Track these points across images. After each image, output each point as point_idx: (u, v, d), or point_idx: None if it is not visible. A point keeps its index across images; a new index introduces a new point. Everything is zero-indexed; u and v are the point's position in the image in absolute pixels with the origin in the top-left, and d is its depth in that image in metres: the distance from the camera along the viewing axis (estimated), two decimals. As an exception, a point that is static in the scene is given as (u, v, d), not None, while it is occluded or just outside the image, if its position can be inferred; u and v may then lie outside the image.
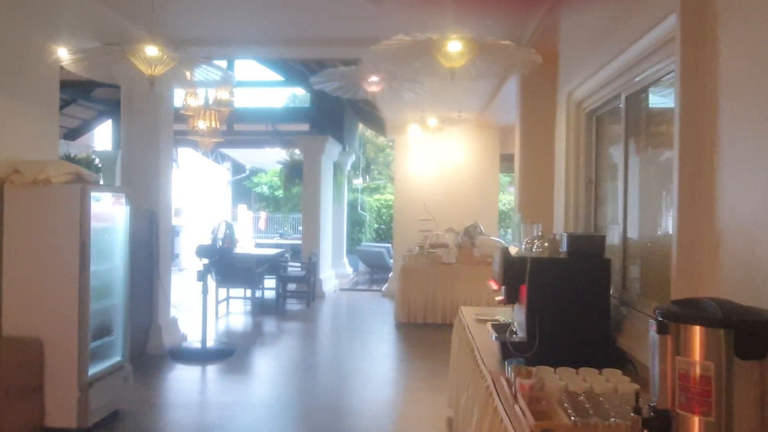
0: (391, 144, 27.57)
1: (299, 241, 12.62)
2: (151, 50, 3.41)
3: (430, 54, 3.62)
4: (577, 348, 2.49)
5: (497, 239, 8.14)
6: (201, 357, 5.54)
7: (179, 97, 7.01)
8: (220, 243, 5.85)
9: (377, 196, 16.30)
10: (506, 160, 9.86)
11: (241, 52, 7.25)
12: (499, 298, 2.67)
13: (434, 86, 4.94)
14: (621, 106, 2.75)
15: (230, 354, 5.72)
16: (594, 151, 3.30)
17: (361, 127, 13.27)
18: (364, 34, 5.36)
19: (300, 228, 21.30)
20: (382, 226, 14.99)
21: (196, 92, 8.78)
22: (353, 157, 12.68)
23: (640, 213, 2.67)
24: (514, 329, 2.70)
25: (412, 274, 7.47)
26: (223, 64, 11.27)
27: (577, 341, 2.50)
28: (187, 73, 3.95)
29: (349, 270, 12.23)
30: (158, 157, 5.91)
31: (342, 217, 12.04)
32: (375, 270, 11.66)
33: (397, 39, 3.42)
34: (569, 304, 2.51)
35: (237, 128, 11.57)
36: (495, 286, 2.64)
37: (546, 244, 3.12)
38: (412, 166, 9.66)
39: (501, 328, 2.79)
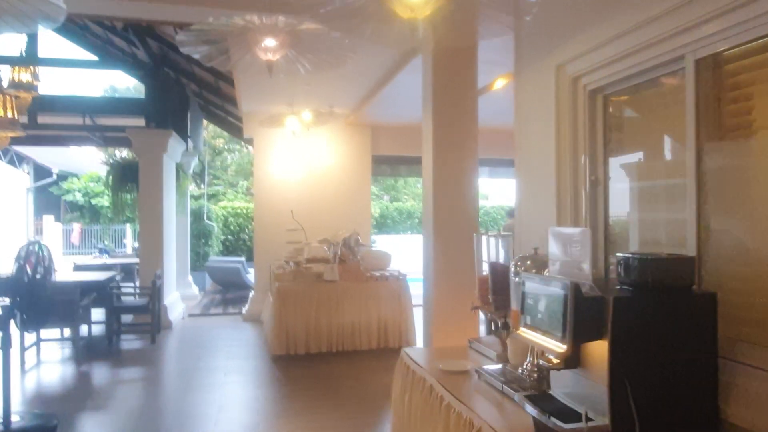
0: (228, 147, 25.59)
1: (131, 260, 10.53)
2: None
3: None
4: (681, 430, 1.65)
5: (383, 251, 7.27)
6: (2, 445, 3.75)
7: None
8: (30, 273, 4.08)
9: (223, 204, 14.52)
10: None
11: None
12: (555, 360, 1.71)
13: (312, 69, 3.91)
14: (687, 72, 1.98)
15: (50, 431, 3.99)
16: (601, 142, 2.53)
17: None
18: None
19: (125, 242, 18.41)
20: (230, 237, 13.30)
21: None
22: (196, 159, 10.93)
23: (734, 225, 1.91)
24: (571, 406, 1.76)
25: (290, 295, 6.24)
26: (22, 37, 8.86)
27: (680, 421, 1.65)
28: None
29: (195, 290, 10.45)
30: None
31: (186, 228, 10.24)
32: (228, 289, 10.07)
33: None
34: (665, 365, 1.65)
35: (42, 121, 9.24)
36: (558, 345, 1.66)
37: (528, 263, 2.36)
38: (276, 169, 8.38)
39: (543, 402, 1.84)
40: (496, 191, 22.30)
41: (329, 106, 7.57)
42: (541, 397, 1.90)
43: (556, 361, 1.72)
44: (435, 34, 3.57)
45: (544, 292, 1.77)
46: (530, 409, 1.79)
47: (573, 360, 1.68)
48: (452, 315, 4.54)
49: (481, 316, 5.15)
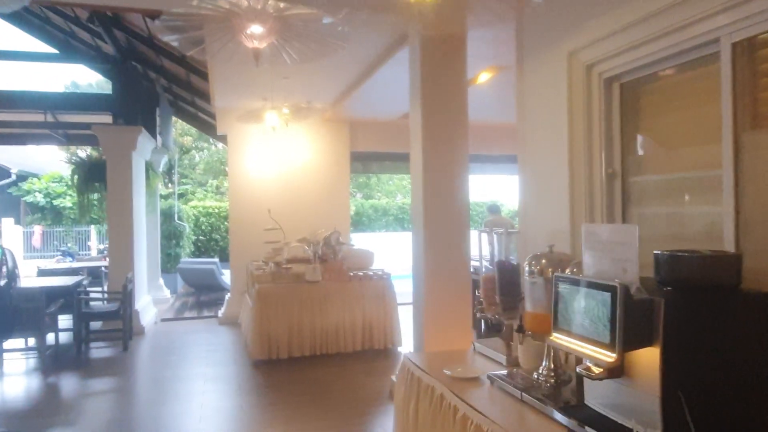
0: (196, 146, 24.98)
1: (97, 262, 10.09)
2: None
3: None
4: (736, 443, 1.52)
5: (366, 249, 7.08)
6: (-37, 469, 3.43)
7: None
8: (-8, 280, 3.76)
9: (194, 203, 14.07)
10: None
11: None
12: (597, 369, 1.56)
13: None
14: (723, 56, 1.85)
15: (16, 452, 3.68)
16: (618, 133, 2.40)
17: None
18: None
19: (89, 244, 17.71)
20: (202, 237, 12.88)
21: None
22: (166, 157, 10.52)
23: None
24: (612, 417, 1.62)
25: (271, 297, 6.00)
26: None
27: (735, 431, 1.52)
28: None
29: (167, 293, 10.06)
30: None
31: (156, 228, 9.84)
32: (202, 291, 9.72)
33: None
34: (718, 373, 1.52)
35: (0, 118, 8.80)
36: (605, 354, 1.51)
37: (544, 262, 2.27)
38: (251, 166, 8.10)
39: (580, 414, 1.69)
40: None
41: (307, 101, 7.34)
42: (576, 408, 1.75)
43: (598, 370, 1.57)
44: (424, 21, 3.43)
45: (583, 295, 1.61)
46: (568, 422, 1.64)
47: (620, 369, 1.53)
48: (444, 314, 4.39)
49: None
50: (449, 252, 4.46)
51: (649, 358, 1.51)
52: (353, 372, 5.62)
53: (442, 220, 4.44)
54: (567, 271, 2.06)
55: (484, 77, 6.15)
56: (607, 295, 1.50)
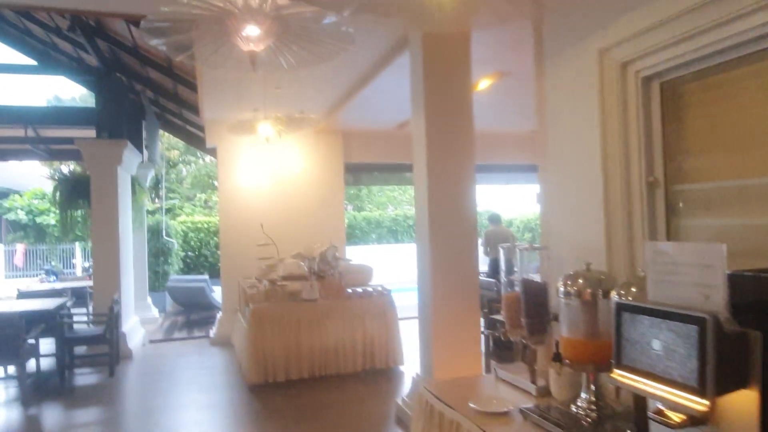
0: (183, 159, 24.60)
1: (82, 282, 9.71)
2: None
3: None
4: None
5: (364, 264, 6.80)
6: None
7: None
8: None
9: (182, 219, 13.69)
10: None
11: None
12: (677, 416, 1.30)
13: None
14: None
15: (-9, 498, 3.35)
16: (659, 137, 2.17)
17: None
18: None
19: (74, 262, 17.23)
20: (190, 253, 12.51)
21: None
22: (153, 171, 10.20)
23: None
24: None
25: (267, 317, 5.70)
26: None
27: None
28: None
29: (155, 312, 9.69)
30: None
31: (143, 245, 9.49)
32: (192, 310, 9.37)
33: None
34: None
35: (-22, 134, 8.46)
36: (693, 399, 1.26)
37: (581, 281, 2.06)
38: (242, 180, 7.82)
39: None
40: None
41: (300, 111, 7.08)
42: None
43: (678, 417, 1.32)
44: (440, 14, 3.20)
45: (658, 327, 1.36)
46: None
47: (707, 417, 1.28)
48: (453, 332, 4.13)
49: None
50: (457, 266, 4.21)
51: (740, 402, 1.27)
52: (356, 394, 5.33)
53: (448, 233, 4.19)
54: (613, 293, 1.83)
55: (484, 84, 5.94)
56: (693, 328, 1.26)
